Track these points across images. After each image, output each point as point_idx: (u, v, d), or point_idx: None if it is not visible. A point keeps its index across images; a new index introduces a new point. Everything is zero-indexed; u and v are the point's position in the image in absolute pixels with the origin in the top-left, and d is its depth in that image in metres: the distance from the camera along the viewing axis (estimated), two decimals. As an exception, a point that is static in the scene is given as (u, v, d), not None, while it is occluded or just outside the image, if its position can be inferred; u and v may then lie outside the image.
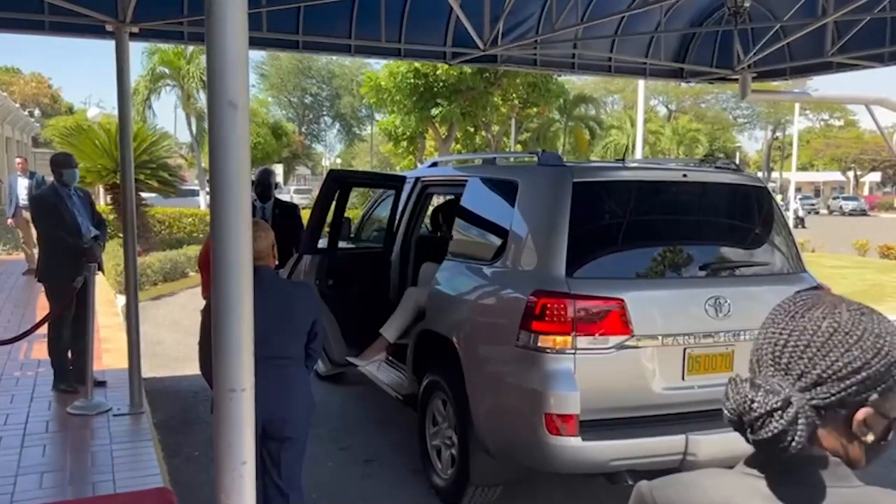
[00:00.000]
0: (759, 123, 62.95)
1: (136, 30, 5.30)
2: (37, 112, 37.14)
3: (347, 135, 55.09)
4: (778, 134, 58.17)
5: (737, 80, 7.98)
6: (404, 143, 26.17)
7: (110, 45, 5.31)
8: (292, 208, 6.81)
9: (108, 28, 5.24)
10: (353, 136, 55.14)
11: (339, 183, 5.38)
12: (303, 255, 5.33)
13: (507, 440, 3.76)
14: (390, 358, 5.49)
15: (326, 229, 5.61)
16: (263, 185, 6.52)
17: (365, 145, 54.95)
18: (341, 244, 5.96)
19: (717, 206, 4.18)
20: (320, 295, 5.26)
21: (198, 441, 4.90)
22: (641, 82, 19.89)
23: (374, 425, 5.71)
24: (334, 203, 5.40)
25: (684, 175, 4.01)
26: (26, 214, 11.19)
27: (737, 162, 4.64)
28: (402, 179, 5.71)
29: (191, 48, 25.51)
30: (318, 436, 5.32)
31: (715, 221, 4.21)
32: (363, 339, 5.31)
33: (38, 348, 6.56)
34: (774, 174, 52.05)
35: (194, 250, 12.88)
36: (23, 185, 11.19)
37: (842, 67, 7.49)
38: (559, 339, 3.42)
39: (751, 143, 70.06)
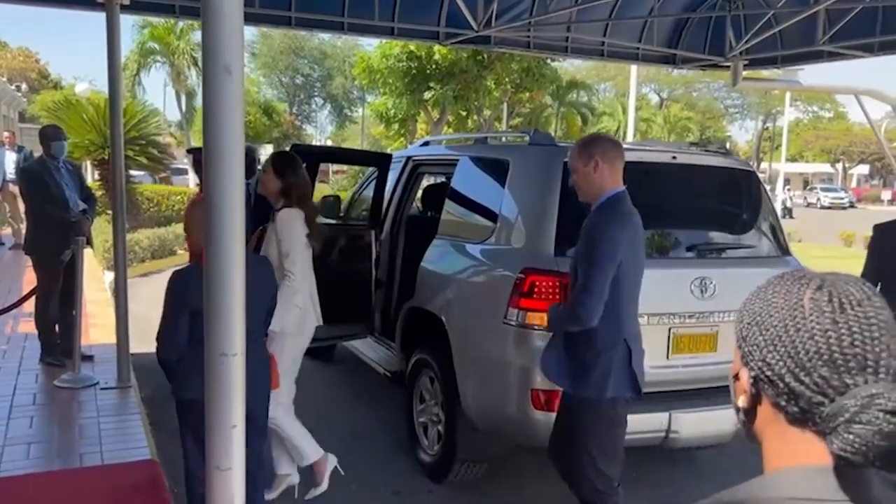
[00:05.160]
0: (749, 114, 63.19)
1: (126, 2, 5.26)
2: (24, 87, 36.68)
3: (338, 116, 54.80)
4: (768, 125, 58.39)
5: (728, 67, 8.01)
6: (396, 126, 26.10)
7: (98, 18, 5.27)
8: None
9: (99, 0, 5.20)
10: (345, 117, 54.86)
11: (303, 158, 5.37)
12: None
13: (493, 416, 3.81)
14: (378, 335, 5.52)
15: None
16: (247, 161, 6.53)
17: (356, 127, 54.69)
18: (326, 221, 5.95)
19: (706, 189, 4.21)
20: None
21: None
22: (634, 68, 19.93)
23: (361, 402, 5.75)
24: None
25: (674, 157, 4.04)
26: (13, 188, 11.12)
27: (727, 147, 4.67)
28: (382, 157, 5.70)
29: (181, 24, 25.26)
30: (305, 412, 5.34)
31: (703, 204, 4.25)
32: (339, 314, 5.31)
33: (25, 322, 6.55)
34: (764, 165, 52.26)
35: (182, 228, 12.95)
36: (10, 159, 11.12)
37: (832, 57, 7.52)
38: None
39: (741, 134, 70.43)
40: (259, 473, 3.22)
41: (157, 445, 4.41)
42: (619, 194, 2.97)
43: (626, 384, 2.95)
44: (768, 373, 0.93)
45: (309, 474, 4.05)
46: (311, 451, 4.01)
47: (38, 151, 11.78)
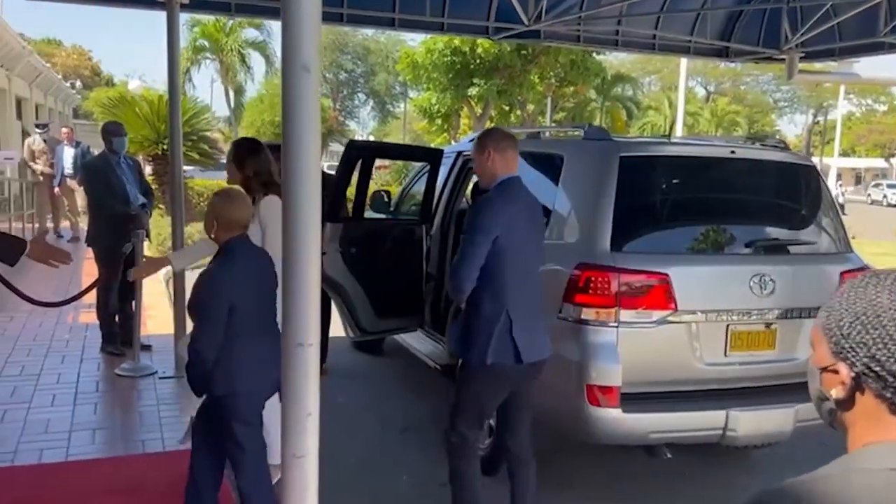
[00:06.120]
0: (799, 107, 61.64)
1: (186, 0, 5.38)
2: (78, 84, 37.69)
3: (381, 112, 55.10)
4: (819, 118, 56.91)
5: (783, 60, 7.85)
6: (439, 121, 26.16)
7: (147, 16, 5.40)
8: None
9: (160, -1, 5.33)
10: (387, 113, 55.13)
11: (360, 153, 5.44)
12: (325, 223, 5.38)
13: (547, 410, 3.81)
14: (428, 328, 5.56)
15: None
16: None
17: (398, 122, 54.94)
18: (378, 216, 6.02)
19: (765, 184, 4.15)
20: (344, 262, 5.32)
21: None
22: (684, 62, 19.61)
23: (411, 395, 5.80)
24: (357, 173, 5.45)
25: (732, 152, 3.99)
26: (71, 183, 11.46)
27: (785, 141, 4.59)
28: (434, 152, 5.74)
29: (230, 22, 25.69)
30: (356, 405, 5.45)
31: (762, 199, 4.19)
32: (392, 307, 5.36)
33: (86, 312, 6.76)
34: (815, 159, 50.87)
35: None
36: (69, 155, 11.45)
37: (894, 48, 7.32)
38: (602, 312, 3.46)
39: (790, 128, 68.79)
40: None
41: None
42: (510, 179, 3.20)
43: (507, 352, 3.10)
44: (877, 369, 1.00)
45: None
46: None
47: (92, 146, 12.09)
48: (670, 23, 7.75)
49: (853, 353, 1.02)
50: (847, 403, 1.05)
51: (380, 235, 5.49)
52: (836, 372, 1.05)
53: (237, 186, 3.38)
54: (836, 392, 1.06)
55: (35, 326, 6.68)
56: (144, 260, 4.19)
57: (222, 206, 2.95)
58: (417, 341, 5.64)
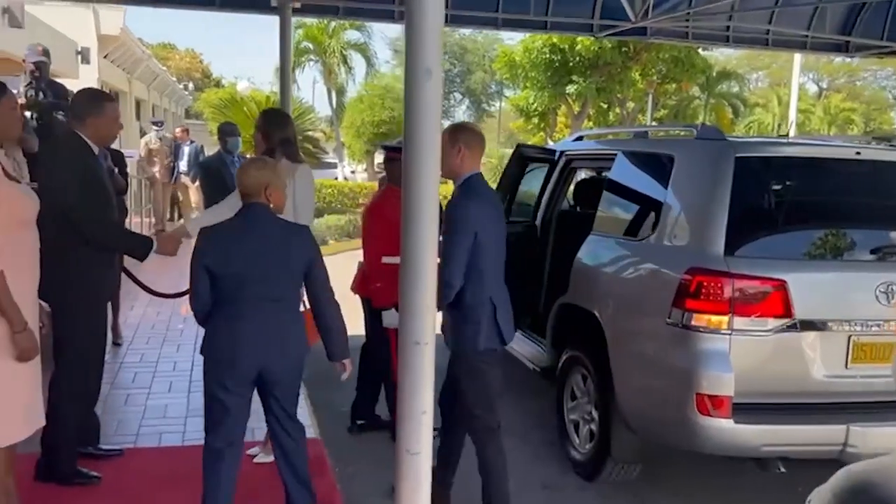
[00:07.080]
0: (923, 104, 57.55)
1: (298, 5, 5.56)
2: (190, 86, 39.66)
3: (476, 111, 55.20)
4: (945, 115, 52.96)
5: (910, 53, 7.37)
6: (535, 120, 25.97)
7: (257, 21, 5.59)
8: None
9: (273, 3, 5.52)
10: (482, 111, 55.18)
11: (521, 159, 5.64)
12: None
13: (653, 418, 3.73)
14: (527, 330, 5.52)
15: None
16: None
17: (493, 121, 54.90)
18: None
19: (893, 187, 3.90)
20: None
21: (344, 398, 5.12)
22: (797, 57, 18.71)
23: (509, 395, 5.76)
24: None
25: (857, 153, 3.77)
26: (184, 180, 12.07)
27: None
28: (552, 152, 5.76)
29: (332, 24, 26.34)
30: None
31: (889, 203, 3.94)
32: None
33: (199, 303, 7.10)
34: (939, 159, 47.31)
35: (334, 220, 14.81)
36: (183, 153, 12.06)
37: None
38: (714, 318, 3.34)
39: (912, 125, 64.24)
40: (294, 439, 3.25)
41: (318, 425, 4.65)
42: (474, 176, 3.40)
43: (493, 337, 3.33)
44: None
45: (266, 441, 3.91)
46: None
47: (205, 144, 12.61)
48: (785, 17, 7.41)
49: None
50: None
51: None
52: None
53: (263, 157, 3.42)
54: None
55: (153, 316, 7.07)
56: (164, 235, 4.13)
57: (237, 174, 3.09)
58: (516, 342, 5.60)
